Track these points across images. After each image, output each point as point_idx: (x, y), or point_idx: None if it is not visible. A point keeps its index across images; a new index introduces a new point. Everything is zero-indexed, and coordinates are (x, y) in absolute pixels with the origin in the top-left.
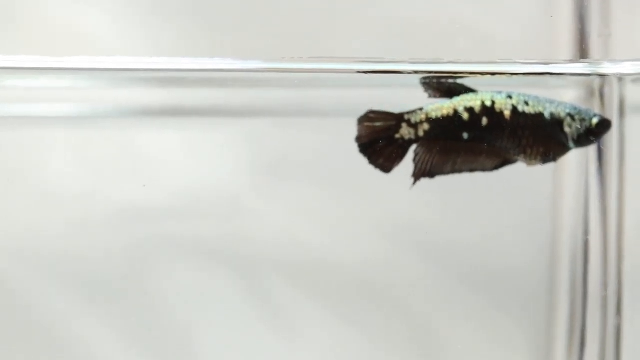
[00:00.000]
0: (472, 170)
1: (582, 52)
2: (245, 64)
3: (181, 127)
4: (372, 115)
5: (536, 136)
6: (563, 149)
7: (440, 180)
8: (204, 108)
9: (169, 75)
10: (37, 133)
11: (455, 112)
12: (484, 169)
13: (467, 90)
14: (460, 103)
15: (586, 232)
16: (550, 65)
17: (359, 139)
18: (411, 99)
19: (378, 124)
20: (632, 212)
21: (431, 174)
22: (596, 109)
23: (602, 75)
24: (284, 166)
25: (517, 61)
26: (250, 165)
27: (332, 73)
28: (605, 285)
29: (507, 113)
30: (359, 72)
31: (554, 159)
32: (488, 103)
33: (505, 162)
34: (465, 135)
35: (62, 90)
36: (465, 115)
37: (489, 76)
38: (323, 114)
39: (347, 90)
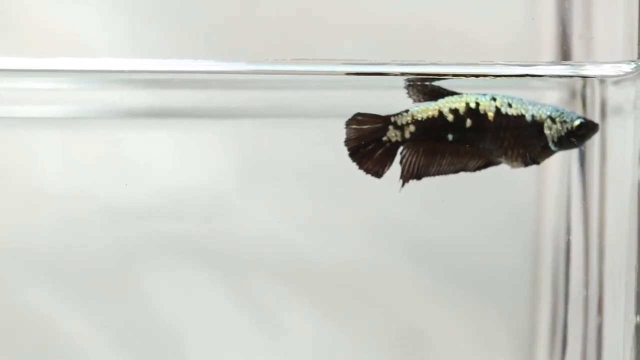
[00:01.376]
0: (457, 171)
1: (564, 54)
2: (230, 65)
3: (167, 128)
4: (359, 117)
5: (517, 138)
6: (544, 152)
7: (424, 180)
8: (189, 109)
9: (154, 77)
10: (24, 134)
11: (440, 113)
12: (467, 170)
13: (450, 93)
14: (445, 105)
15: (568, 232)
16: (532, 67)
17: (347, 142)
18: (396, 101)
19: (365, 126)
20: (614, 212)
21: (418, 176)
22: (578, 111)
23: (583, 77)
24: (268, 166)
25: (499, 63)
26: (235, 166)
27: (316, 75)
28: (586, 284)
29: (490, 115)
30: (347, 74)
31: (536, 161)
32: (472, 105)
33: (489, 163)
34: (450, 137)
35: (48, 92)
36: (450, 117)
37: (472, 78)
38: (308, 115)
39: (331, 92)
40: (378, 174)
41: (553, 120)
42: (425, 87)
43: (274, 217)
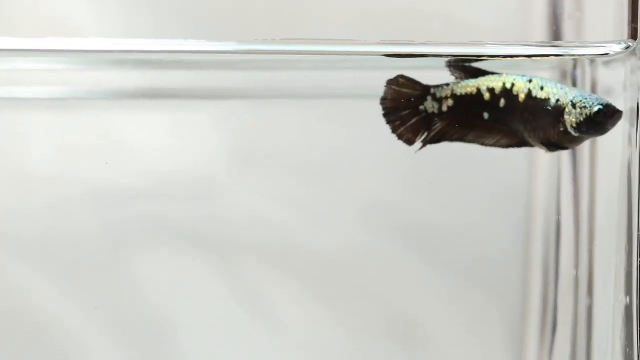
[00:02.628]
0: (486, 146)
1: (555, 35)
2: (220, 46)
3: (158, 110)
4: (401, 80)
5: (539, 121)
6: (567, 137)
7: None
8: (180, 90)
9: (144, 58)
10: (12, 115)
11: (479, 91)
12: (499, 146)
13: (490, 73)
14: (484, 83)
15: (558, 213)
16: (523, 48)
17: (383, 101)
18: (383, 81)
19: (405, 90)
20: (604, 193)
21: (438, 142)
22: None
23: (574, 58)
24: (260, 148)
25: (489, 43)
26: (226, 148)
27: (306, 55)
28: (576, 265)
29: (522, 96)
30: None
31: (562, 147)
32: (508, 85)
33: (522, 143)
34: (486, 115)
35: (37, 73)
36: (487, 95)
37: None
38: (300, 96)
39: (323, 72)
40: (410, 141)
41: (574, 105)
42: (467, 68)
43: (265, 199)
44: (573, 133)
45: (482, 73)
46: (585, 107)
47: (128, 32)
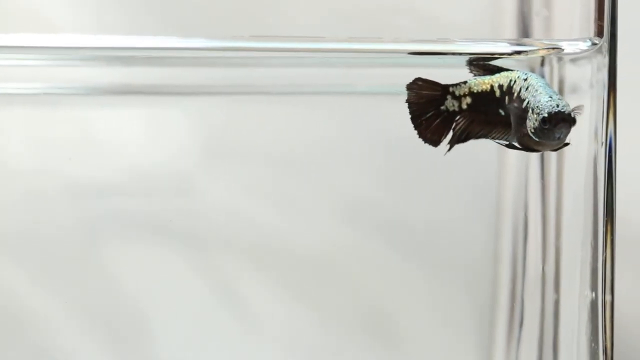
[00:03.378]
0: (509, 141)
1: (524, 32)
2: (193, 42)
3: (132, 105)
4: (420, 82)
5: (514, 122)
6: (530, 140)
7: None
8: (155, 86)
9: (117, 54)
10: None
11: (492, 87)
12: (503, 142)
13: (505, 69)
14: (497, 80)
15: (526, 209)
16: (491, 45)
17: (409, 105)
18: (357, 79)
19: (425, 92)
20: (570, 189)
21: (465, 140)
22: None
23: (542, 55)
24: (235, 144)
25: (457, 40)
26: (201, 143)
27: (276, 52)
28: (543, 261)
29: (514, 95)
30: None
31: (531, 149)
32: (511, 83)
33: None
34: (502, 112)
35: (12, 69)
36: (498, 92)
37: (434, 56)
38: (274, 93)
39: (298, 69)
40: (435, 143)
41: (532, 110)
42: (486, 65)
43: (239, 194)
44: (534, 138)
45: (499, 70)
46: (538, 113)
47: (102, 29)
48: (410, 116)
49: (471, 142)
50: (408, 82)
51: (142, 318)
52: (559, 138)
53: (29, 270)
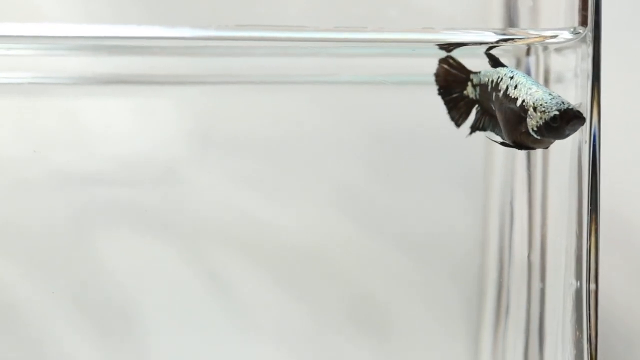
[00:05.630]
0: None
1: (509, 22)
2: (181, 31)
3: (118, 95)
4: (451, 60)
5: (505, 121)
6: (529, 138)
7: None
8: (142, 76)
9: (104, 43)
10: None
11: (489, 81)
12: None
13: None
14: (493, 74)
15: (512, 198)
16: (477, 34)
17: (436, 77)
18: (345, 69)
19: (453, 70)
20: (555, 179)
21: (482, 129)
22: None
23: (527, 45)
24: (223, 133)
25: (443, 30)
26: (189, 133)
27: (262, 41)
28: (529, 249)
29: (500, 93)
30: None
31: (527, 147)
32: (498, 79)
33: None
34: (493, 107)
35: (1, 58)
36: (489, 87)
37: (420, 45)
38: (261, 82)
39: (279, 58)
40: (457, 123)
41: (535, 109)
42: (492, 56)
43: (228, 183)
44: (535, 135)
45: (500, 63)
46: (544, 111)
47: (88, 18)
48: (438, 90)
49: (458, 131)
50: (441, 58)
51: (130, 306)
52: (567, 135)
53: (16, 260)
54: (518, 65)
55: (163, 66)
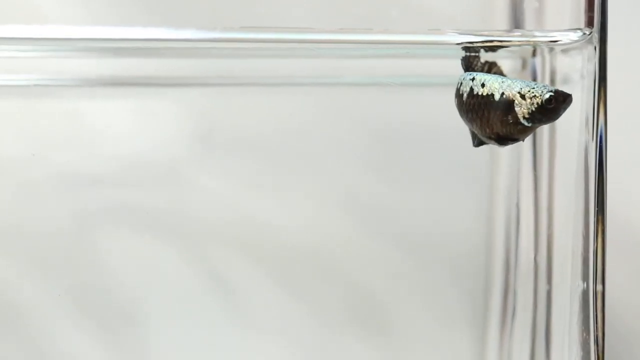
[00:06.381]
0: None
1: (515, 23)
2: (184, 33)
3: (121, 96)
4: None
5: (486, 117)
6: (518, 128)
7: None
8: (145, 77)
9: (106, 45)
10: None
11: (457, 89)
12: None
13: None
14: (458, 81)
15: (518, 199)
16: (483, 36)
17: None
18: (348, 71)
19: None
20: (561, 180)
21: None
22: (529, 79)
23: (533, 46)
24: (224, 135)
25: (448, 31)
26: (190, 134)
27: (264, 43)
28: (536, 251)
29: (464, 96)
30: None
31: (514, 139)
32: (458, 85)
33: (481, 142)
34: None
35: (3, 60)
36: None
37: (424, 46)
38: (259, 84)
39: (282, 60)
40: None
41: (522, 96)
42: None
43: (230, 185)
44: (525, 123)
45: (469, 67)
46: (535, 96)
47: (90, 20)
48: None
49: (463, 133)
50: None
51: (132, 307)
52: (559, 116)
53: (17, 261)
54: (524, 66)
55: (165, 68)
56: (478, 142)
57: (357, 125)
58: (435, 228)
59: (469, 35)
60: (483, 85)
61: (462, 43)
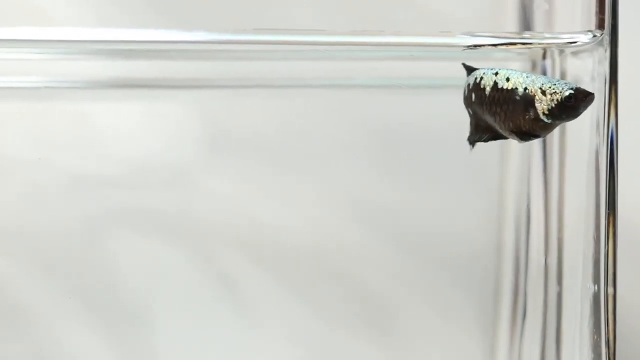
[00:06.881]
0: (483, 141)
1: (525, 25)
2: (192, 35)
3: (130, 99)
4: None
5: (508, 112)
6: (539, 124)
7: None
8: (154, 79)
9: (116, 47)
10: None
11: (468, 84)
12: (482, 140)
13: (474, 68)
14: (468, 79)
15: (528, 201)
16: (492, 38)
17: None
18: (360, 73)
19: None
20: (572, 182)
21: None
22: None
23: (543, 48)
24: (232, 137)
25: (459, 34)
26: (199, 137)
27: (275, 45)
28: (546, 253)
29: (487, 89)
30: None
31: (535, 135)
32: (477, 79)
33: (497, 136)
34: (470, 111)
35: (11, 62)
36: (466, 91)
37: (434, 49)
38: (271, 86)
39: (295, 62)
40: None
41: (544, 92)
42: (463, 64)
43: (239, 187)
44: (545, 120)
45: (473, 69)
46: (555, 92)
47: (100, 22)
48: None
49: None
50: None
51: (142, 310)
52: (579, 114)
53: (28, 264)
54: (533, 68)
55: (174, 70)
56: (473, 142)
57: (368, 127)
58: (445, 230)
59: (486, 37)
60: (508, 79)
61: (478, 46)
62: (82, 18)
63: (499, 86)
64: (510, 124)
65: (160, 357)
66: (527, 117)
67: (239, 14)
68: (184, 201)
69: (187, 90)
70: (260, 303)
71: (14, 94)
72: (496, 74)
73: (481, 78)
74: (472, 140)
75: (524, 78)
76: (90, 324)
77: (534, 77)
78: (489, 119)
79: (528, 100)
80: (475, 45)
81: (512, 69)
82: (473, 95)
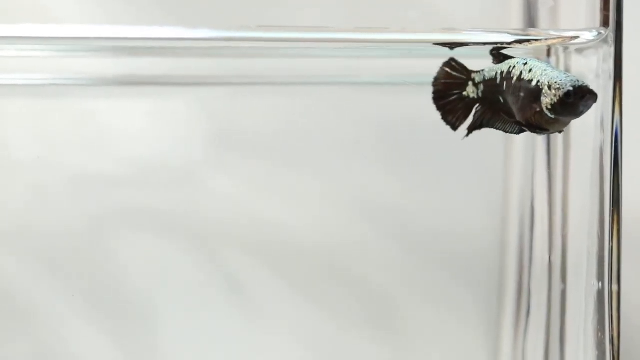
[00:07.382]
0: (507, 132)
1: (530, 23)
2: (199, 33)
3: (135, 96)
4: (453, 63)
5: (521, 103)
6: (543, 118)
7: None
8: (159, 77)
9: (121, 45)
10: None
11: (497, 75)
12: (515, 133)
13: (509, 57)
14: (501, 67)
15: (532, 198)
16: (497, 34)
17: (435, 81)
18: (364, 71)
19: (455, 73)
20: (576, 179)
21: (480, 128)
22: None
23: (548, 45)
24: (239, 135)
25: (465, 30)
26: (205, 134)
27: (281, 42)
28: (550, 250)
29: (514, 79)
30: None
31: (541, 128)
32: (510, 68)
33: (521, 128)
34: (501, 99)
35: (17, 59)
36: (498, 79)
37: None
38: (278, 83)
39: (300, 60)
40: (454, 126)
41: (550, 86)
42: (499, 53)
43: (244, 186)
44: (549, 114)
45: (507, 58)
46: (558, 88)
47: (106, 19)
48: (433, 95)
49: (479, 131)
50: (444, 61)
51: (147, 309)
52: (581, 112)
53: (34, 263)
54: None
55: (180, 67)
56: (471, 130)
57: (373, 125)
58: (449, 228)
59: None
60: (530, 70)
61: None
62: (87, 15)
63: (522, 77)
64: (520, 115)
65: (165, 356)
66: (533, 110)
67: (244, 11)
68: (189, 199)
69: (195, 88)
70: (264, 302)
71: (19, 92)
72: (525, 64)
73: (514, 67)
74: (471, 129)
75: (542, 71)
76: (95, 323)
77: (550, 70)
78: (512, 108)
79: (536, 94)
80: (486, 44)
81: (540, 61)
82: (504, 84)
